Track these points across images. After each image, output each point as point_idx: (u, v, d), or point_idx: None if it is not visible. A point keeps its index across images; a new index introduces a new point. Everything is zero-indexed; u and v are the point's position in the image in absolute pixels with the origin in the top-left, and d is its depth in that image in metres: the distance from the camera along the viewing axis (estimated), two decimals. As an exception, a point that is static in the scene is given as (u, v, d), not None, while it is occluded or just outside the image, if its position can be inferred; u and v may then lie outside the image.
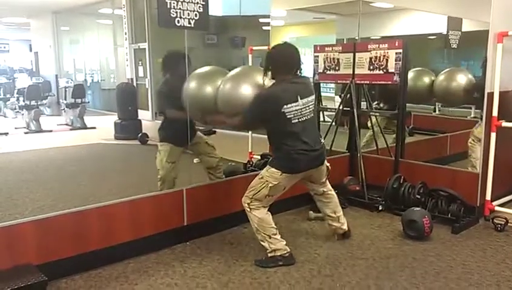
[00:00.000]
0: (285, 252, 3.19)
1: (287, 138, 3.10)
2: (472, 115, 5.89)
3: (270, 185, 3.13)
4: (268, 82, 3.19)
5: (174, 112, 3.74)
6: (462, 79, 5.37)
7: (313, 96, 3.24)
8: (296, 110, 3.07)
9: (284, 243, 3.22)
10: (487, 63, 3.93)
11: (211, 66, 3.82)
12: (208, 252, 3.43)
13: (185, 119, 3.66)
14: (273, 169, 3.13)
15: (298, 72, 3.21)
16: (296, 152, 3.09)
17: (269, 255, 3.20)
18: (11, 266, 2.75)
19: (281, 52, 3.22)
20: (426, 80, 5.58)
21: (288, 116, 3.05)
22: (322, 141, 3.43)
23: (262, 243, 3.21)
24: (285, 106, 3.03)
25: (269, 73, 3.16)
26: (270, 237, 3.18)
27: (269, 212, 3.23)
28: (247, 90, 3.23)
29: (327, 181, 3.53)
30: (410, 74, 5.22)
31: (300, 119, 3.10)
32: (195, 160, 4.35)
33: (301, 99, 3.09)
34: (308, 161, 3.17)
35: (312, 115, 3.21)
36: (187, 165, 4.14)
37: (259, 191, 3.16)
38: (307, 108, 3.14)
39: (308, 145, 3.12)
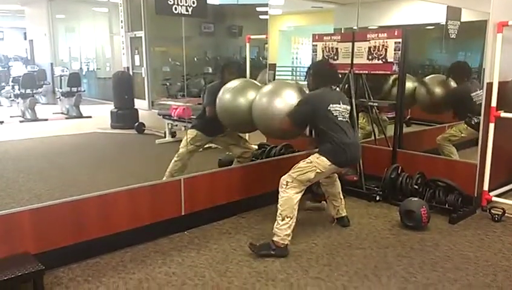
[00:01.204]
0: (281, 242, 3.18)
1: (336, 132, 3.30)
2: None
3: (317, 170, 3.26)
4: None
5: (212, 108, 4.00)
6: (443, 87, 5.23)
7: (349, 107, 3.50)
8: (339, 110, 3.35)
9: (287, 233, 3.18)
10: (486, 53, 3.92)
11: (244, 79, 4.21)
12: (206, 242, 3.43)
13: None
14: (323, 158, 3.27)
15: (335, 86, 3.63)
16: (346, 146, 3.30)
17: (273, 238, 3.18)
18: (8, 255, 2.73)
19: (325, 66, 3.70)
20: (409, 85, 5.45)
21: (334, 114, 3.32)
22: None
23: (277, 222, 3.21)
24: (331, 105, 3.32)
25: (312, 78, 3.54)
26: (283, 219, 3.18)
27: (301, 198, 3.29)
28: (281, 105, 3.55)
29: None
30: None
31: (342, 119, 3.37)
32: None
33: (342, 104, 3.39)
34: (353, 155, 3.41)
35: (349, 120, 3.46)
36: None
37: (304, 174, 3.26)
38: (347, 113, 3.43)
39: (352, 140, 3.38)
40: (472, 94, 4.67)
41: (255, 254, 3.16)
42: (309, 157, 3.34)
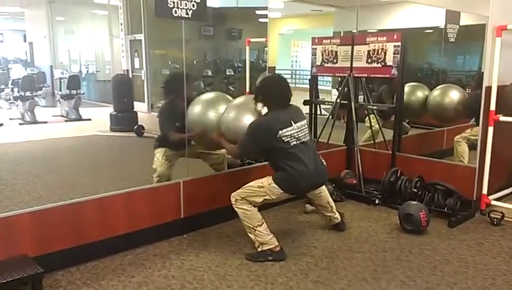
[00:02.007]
0: (273, 246, 3.17)
1: (288, 159, 3.13)
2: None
3: (266, 197, 3.16)
4: (260, 108, 3.30)
5: (174, 134, 3.81)
6: (455, 95, 5.30)
7: (305, 121, 3.31)
8: (291, 134, 3.14)
9: (271, 236, 3.18)
10: (485, 57, 3.93)
11: (215, 92, 4.00)
12: (205, 245, 3.42)
13: (183, 139, 3.76)
14: (275, 185, 3.14)
15: (288, 102, 3.30)
16: (300, 175, 3.13)
17: (258, 249, 3.19)
18: (6, 258, 2.73)
19: (273, 85, 3.34)
20: (420, 94, 5.52)
21: (285, 140, 3.12)
22: (323, 162, 3.47)
23: (249, 235, 3.20)
24: (280, 132, 3.10)
25: (260, 102, 3.28)
26: (255, 229, 3.15)
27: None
28: (249, 120, 3.31)
29: None
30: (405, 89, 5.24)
31: (297, 142, 3.16)
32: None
33: (294, 123, 3.17)
34: (310, 182, 3.29)
35: (308, 138, 3.27)
36: (184, 159, 4.11)
37: (252, 197, 3.16)
38: (302, 131, 3.21)
39: (309, 168, 3.17)
40: None
41: (254, 262, 3.14)
42: (262, 180, 3.18)
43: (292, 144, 3.13)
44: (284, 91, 3.29)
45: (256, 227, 3.15)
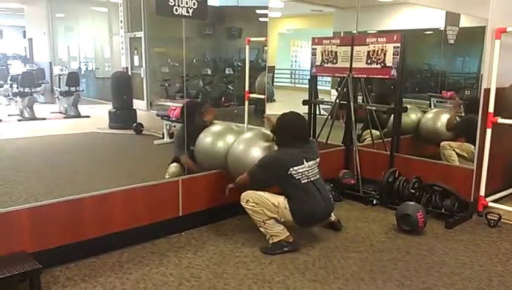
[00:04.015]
0: (286, 236, 3.25)
1: (300, 196, 3.23)
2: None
3: (275, 216, 3.23)
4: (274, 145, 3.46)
5: (185, 158, 3.98)
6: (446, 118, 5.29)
7: (318, 159, 3.37)
8: (302, 172, 3.22)
9: (282, 228, 3.26)
10: (484, 59, 3.94)
11: (225, 124, 4.17)
12: (203, 243, 3.43)
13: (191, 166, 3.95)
14: (288, 212, 3.22)
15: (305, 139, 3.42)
16: (314, 213, 3.28)
17: (270, 241, 3.27)
18: (5, 254, 2.73)
19: (292, 125, 3.39)
20: (413, 117, 5.53)
21: (296, 177, 3.21)
22: (331, 197, 3.56)
23: (260, 229, 3.30)
24: (291, 169, 3.19)
25: (278, 139, 3.40)
26: (264, 223, 3.24)
27: None
28: (256, 153, 3.50)
29: None
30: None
31: (308, 180, 3.25)
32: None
33: (306, 162, 3.25)
34: (320, 219, 3.47)
35: (318, 176, 3.34)
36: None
37: (264, 208, 3.23)
38: (312, 170, 3.29)
39: (320, 205, 3.30)
40: None
41: (270, 255, 3.21)
42: (279, 200, 3.23)
43: (302, 181, 3.22)
44: (302, 131, 3.41)
45: (265, 221, 3.24)
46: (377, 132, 5.11)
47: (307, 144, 3.40)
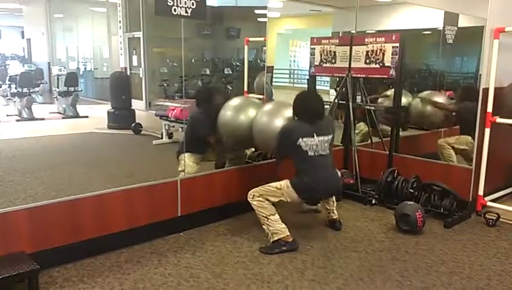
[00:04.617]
0: (286, 235, 3.28)
1: (305, 168, 3.34)
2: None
3: (282, 198, 3.35)
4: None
5: (213, 138, 4.04)
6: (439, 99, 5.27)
7: (331, 136, 3.47)
8: (311, 144, 3.32)
9: (283, 226, 3.31)
10: (483, 59, 3.95)
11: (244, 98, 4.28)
12: (202, 243, 3.43)
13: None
14: (292, 190, 3.32)
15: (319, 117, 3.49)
16: (315, 183, 3.35)
17: (271, 240, 3.29)
18: (3, 254, 2.72)
19: (308, 101, 3.53)
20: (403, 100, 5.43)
21: (304, 149, 3.30)
22: (338, 173, 3.68)
23: (263, 226, 3.34)
24: (300, 140, 3.29)
25: (294, 113, 3.49)
26: (267, 218, 3.29)
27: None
28: (279, 124, 3.57)
29: None
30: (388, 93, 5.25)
31: (316, 154, 3.33)
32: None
33: (317, 136, 3.34)
34: (324, 192, 3.54)
35: (328, 153, 3.42)
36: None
37: (270, 196, 3.35)
38: (322, 145, 3.38)
39: (323, 179, 3.40)
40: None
41: (269, 254, 3.23)
42: (281, 182, 3.37)
43: (309, 153, 3.31)
44: (317, 109, 3.49)
45: (269, 216, 3.30)
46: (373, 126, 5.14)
47: (321, 121, 3.48)
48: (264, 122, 3.68)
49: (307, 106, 3.48)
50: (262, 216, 3.32)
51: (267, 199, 3.34)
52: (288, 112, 3.58)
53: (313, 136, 3.33)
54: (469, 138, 4.68)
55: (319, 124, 3.43)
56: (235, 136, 3.90)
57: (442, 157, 4.87)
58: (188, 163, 4.03)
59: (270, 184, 3.39)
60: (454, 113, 5.13)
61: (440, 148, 4.92)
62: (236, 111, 3.89)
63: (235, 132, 3.86)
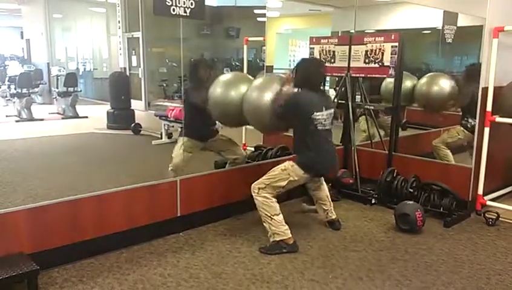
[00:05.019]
0: (287, 238, 3.26)
1: (312, 141, 3.32)
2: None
3: (290, 179, 3.31)
4: (288, 88, 3.44)
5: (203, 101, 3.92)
6: (445, 84, 5.24)
7: (333, 110, 3.44)
8: (321, 118, 3.30)
9: (286, 228, 3.28)
10: (482, 58, 3.94)
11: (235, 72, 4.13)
12: (201, 243, 3.42)
13: (205, 117, 3.95)
14: (297, 167, 3.31)
15: (322, 86, 3.48)
16: (321, 157, 3.35)
17: (271, 240, 3.27)
18: (2, 255, 2.72)
19: (311, 67, 3.46)
20: (408, 83, 5.42)
21: (315, 123, 3.29)
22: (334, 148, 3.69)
23: (264, 224, 3.32)
24: (315, 113, 3.27)
25: (297, 80, 3.40)
26: (271, 218, 3.26)
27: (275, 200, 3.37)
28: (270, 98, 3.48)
29: None
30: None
31: (323, 127, 3.33)
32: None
33: (325, 110, 3.32)
34: (327, 166, 3.52)
35: (330, 127, 3.42)
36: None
37: (277, 182, 3.30)
38: (328, 119, 3.38)
39: (327, 153, 3.42)
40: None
41: (268, 254, 3.22)
42: (284, 164, 3.37)
43: (318, 127, 3.29)
44: (320, 76, 3.45)
45: (273, 216, 3.26)
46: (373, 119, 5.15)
47: (323, 93, 3.45)
48: (255, 98, 3.55)
49: (313, 74, 3.39)
50: (266, 215, 3.28)
51: (276, 188, 3.29)
52: (281, 79, 3.51)
53: (323, 110, 3.30)
54: (458, 127, 4.72)
55: (324, 96, 3.41)
56: (226, 112, 3.81)
57: (438, 157, 4.88)
58: (177, 150, 4.06)
59: (273, 169, 3.36)
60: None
61: (436, 149, 4.94)
62: (227, 87, 3.79)
63: (226, 108, 3.76)
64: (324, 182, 3.75)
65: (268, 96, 3.47)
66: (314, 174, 3.44)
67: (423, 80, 5.41)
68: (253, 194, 3.33)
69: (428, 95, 5.29)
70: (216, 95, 3.79)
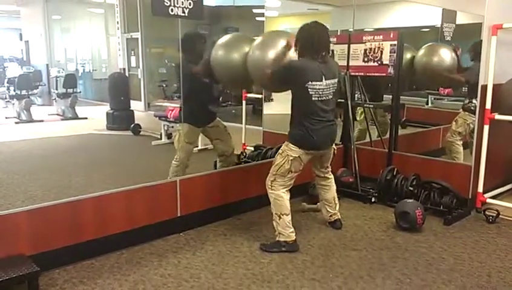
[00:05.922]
0: (289, 239, 3.27)
1: (306, 115, 3.22)
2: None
3: (290, 158, 3.24)
4: (293, 53, 3.29)
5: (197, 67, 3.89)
6: (446, 55, 5.03)
7: (336, 80, 3.31)
8: (318, 88, 3.17)
9: (292, 230, 3.29)
10: (481, 56, 3.94)
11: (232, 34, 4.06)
12: (201, 243, 3.42)
13: (203, 97, 3.93)
14: (291, 144, 3.26)
15: (326, 54, 3.25)
16: (314, 132, 3.21)
17: (276, 239, 3.30)
18: (3, 256, 2.72)
19: (310, 34, 3.22)
20: (407, 55, 5.12)
21: (310, 92, 3.15)
22: (336, 122, 3.52)
23: (273, 221, 3.32)
24: (310, 82, 3.13)
25: (298, 47, 3.24)
26: (279, 217, 3.26)
27: (288, 195, 3.35)
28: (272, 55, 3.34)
29: (329, 167, 3.67)
30: None
31: (320, 98, 3.20)
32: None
33: (325, 80, 3.18)
34: (322, 141, 3.32)
35: (331, 96, 3.28)
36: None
37: (281, 166, 3.27)
38: (329, 89, 3.23)
39: (323, 123, 3.25)
40: None
41: (267, 252, 3.24)
42: (281, 148, 3.34)
43: (313, 98, 3.17)
44: (320, 41, 3.20)
45: (282, 215, 3.27)
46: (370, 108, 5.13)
47: (327, 61, 3.26)
48: (259, 56, 3.41)
49: (314, 40, 3.17)
50: (275, 213, 3.29)
51: (284, 174, 3.25)
52: (282, 42, 3.31)
53: (322, 80, 3.15)
54: (462, 112, 4.71)
55: (327, 64, 3.22)
56: (230, 74, 3.73)
57: (450, 153, 4.82)
58: (179, 139, 4.02)
59: (275, 160, 3.35)
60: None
61: (450, 144, 4.85)
62: (228, 49, 3.71)
63: (230, 70, 3.68)
64: (334, 182, 3.72)
65: (271, 53, 3.33)
66: (307, 149, 3.26)
67: (422, 50, 5.19)
68: (268, 190, 3.33)
69: (427, 65, 5.06)
70: (219, 56, 3.70)
